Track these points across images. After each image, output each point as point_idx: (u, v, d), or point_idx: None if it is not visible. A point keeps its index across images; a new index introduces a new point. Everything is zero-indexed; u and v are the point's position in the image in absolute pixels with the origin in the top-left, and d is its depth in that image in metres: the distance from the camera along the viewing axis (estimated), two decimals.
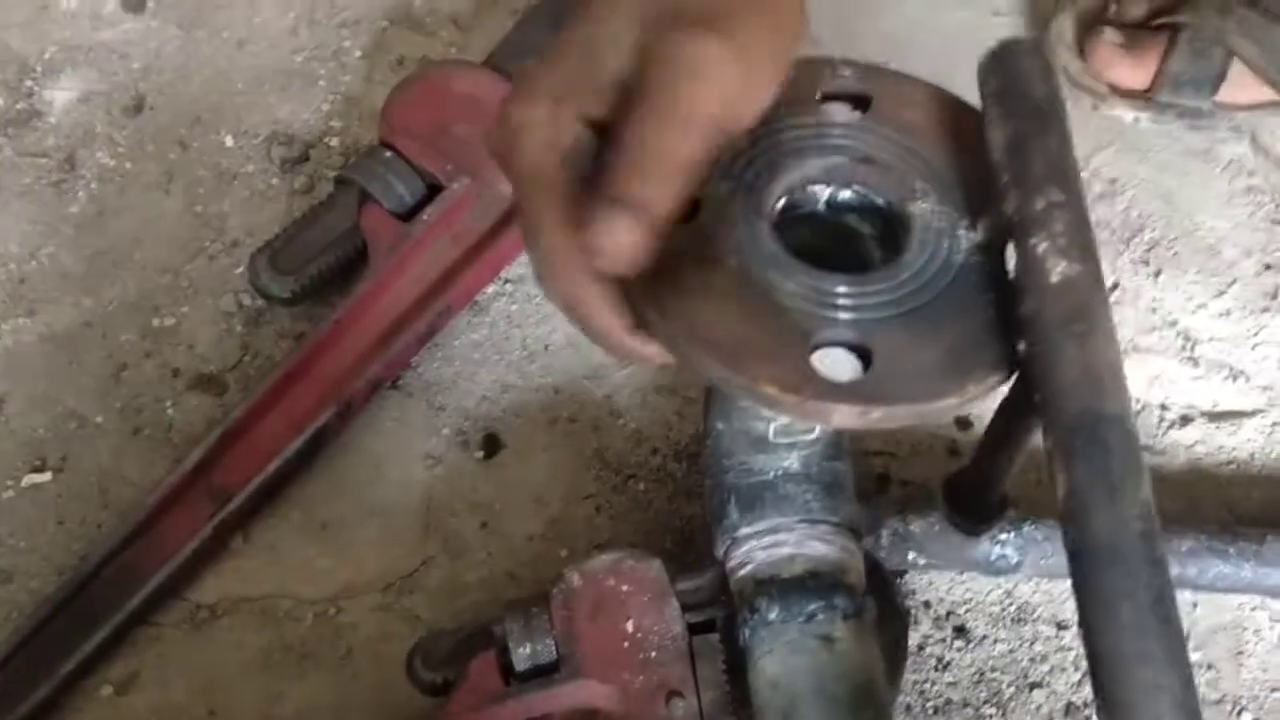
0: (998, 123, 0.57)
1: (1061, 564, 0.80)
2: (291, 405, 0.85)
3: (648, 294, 0.52)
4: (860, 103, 0.61)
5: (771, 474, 0.69)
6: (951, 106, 0.61)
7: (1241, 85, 1.01)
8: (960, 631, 0.83)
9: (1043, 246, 0.53)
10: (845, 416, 0.52)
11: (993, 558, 0.80)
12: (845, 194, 0.59)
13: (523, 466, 0.88)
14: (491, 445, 0.88)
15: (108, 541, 0.80)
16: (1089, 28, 1.04)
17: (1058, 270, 0.53)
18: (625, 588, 0.74)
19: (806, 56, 0.58)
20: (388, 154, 0.92)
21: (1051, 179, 0.55)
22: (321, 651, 0.80)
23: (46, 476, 0.85)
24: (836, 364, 0.53)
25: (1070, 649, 0.83)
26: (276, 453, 0.84)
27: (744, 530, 0.69)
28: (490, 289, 0.94)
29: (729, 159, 0.57)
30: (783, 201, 0.58)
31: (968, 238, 0.57)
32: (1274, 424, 0.91)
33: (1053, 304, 0.53)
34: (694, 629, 0.73)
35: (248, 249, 0.94)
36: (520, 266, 0.95)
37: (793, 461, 0.69)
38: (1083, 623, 0.49)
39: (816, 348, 0.53)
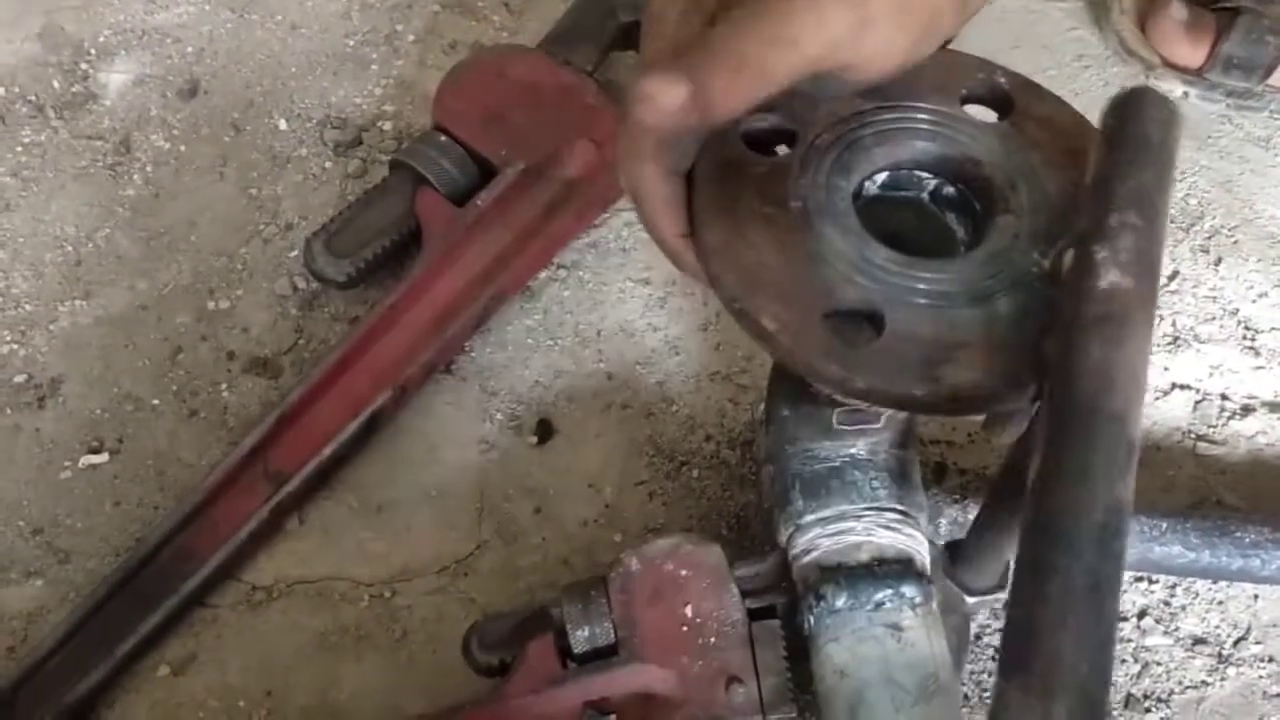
0: (1104, 155, 0.56)
1: (1131, 556, 0.81)
2: (346, 388, 0.85)
3: (704, 204, 0.54)
4: (1002, 108, 0.60)
5: (838, 460, 0.68)
6: (1086, 136, 0.60)
7: None
8: None
9: (1102, 254, 0.52)
10: (829, 377, 0.51)
11: None
12: (944, 188, 0.59)
13: (576, 452, 0.88)
14: (545, 430, 0.88)
15: (164, 523, 0.80)
16: (1156, 2, 1.03)
17: (1108, 278, 0.51)
18: (684, 572, 0.73)
19: (961, 51, 0.60)
20: (442, 138, 0.92)
21: (1134, 204, 0.53)
22: (377, 634, 0.80)
23: (103, 458, 0.86)
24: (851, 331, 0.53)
25: (1130, 640, 0.82)
26: (332, 435, 0.84)
27: (809, 517, 0.68)
28: (543, 274, 0.94)
29: (843, 115, 0.58)
30: (882, 176, 0.58)
31: (1038, 263, 0.56)
32: None
33: (1091, 306, 0.51)
34: (753, 615, 0.72)
35: (302, 232, 0.94)
36: (573, 252, 0.95)
37: (859, 448, 0.68)
38: (1010, 593, 0.47)
39: (835, 308, 0.52)
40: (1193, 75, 1.03)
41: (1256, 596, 0.83)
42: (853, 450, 0.68)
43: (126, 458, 0.86)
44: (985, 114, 0.61)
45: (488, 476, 0.87)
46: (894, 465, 0.68)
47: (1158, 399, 0.90)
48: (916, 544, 0.68)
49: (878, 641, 0.65)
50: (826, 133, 0.58)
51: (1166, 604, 0.82)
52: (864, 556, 0.67)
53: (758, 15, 0.48)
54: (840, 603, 0.66)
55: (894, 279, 0.54)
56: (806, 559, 0.68)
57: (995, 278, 0.55)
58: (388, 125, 1.01)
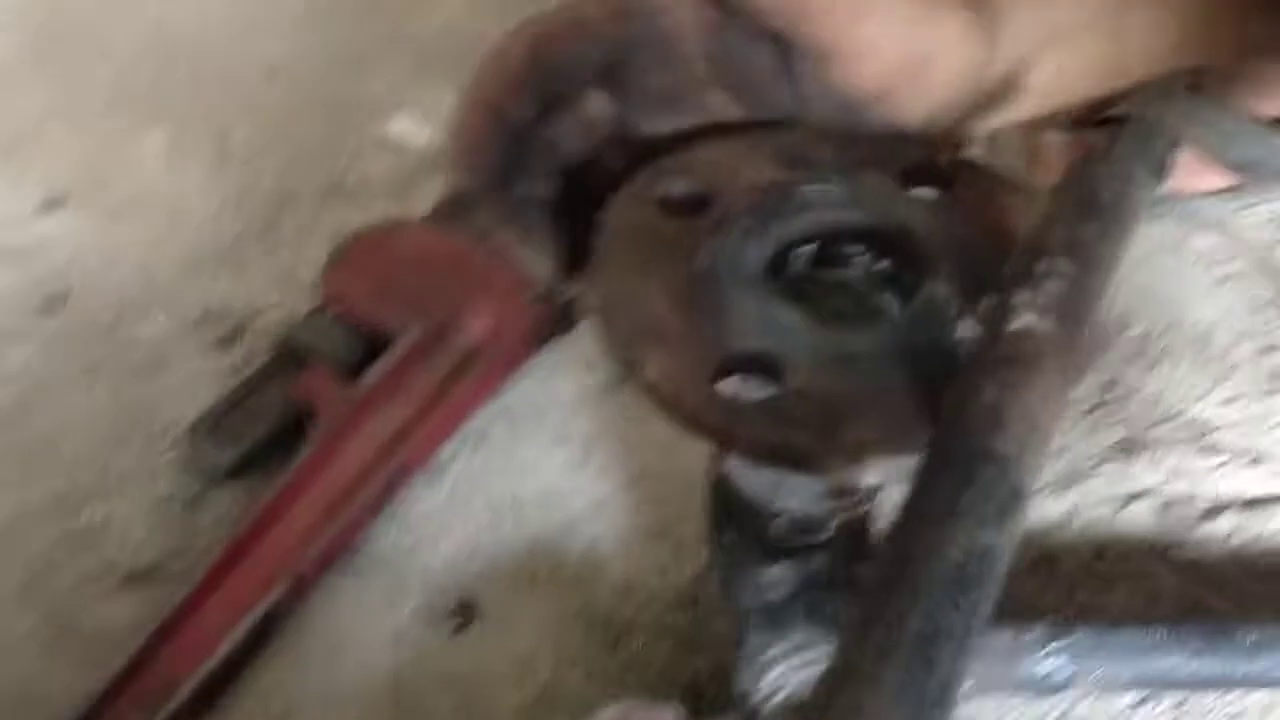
0: (1043, 208, 0.52)
1: (1122, 674, 0.73)
2: (236, 586, 0.76)
3: (607, 257, 0.52)
4: (941, 184, 0.57)
5: (796, 584, 0.60)
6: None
7: (1193, 172, 0.99)
8: None
9: (1021, 298, 0.47)
10: (712, 426, 0.47)
11: (1046, 671, 0.71)
12: (876, 263, 0.54)
13: (502, 634, 0.78)
14: (464, 614, 0.79)
15: None
16: (1034, 130, 1.03)
17: (1022, 320, 0.46)
18: None
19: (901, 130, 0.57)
20: (327, 315, 0.86)
21: (1067, 253, 0.49)
22: None
23: None
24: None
25: None
26: (222, 639, 0.74)
27: (771, 652, 0.60)
28: (448, 448, 0.86)
29: (763, 185, 0.54)
30: (807, 252, 0.54)
31: (965, 328, 0.51)
32: None
33: (997, 348, 0.46)
34: None
35: (180, 435, 0.86)
36: (481, 420, 0.88)
37: (816, 567, 0.61)
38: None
39: (728, 356, 0.48)
40: None
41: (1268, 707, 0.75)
42: (810, 569, 0.61)
43: None
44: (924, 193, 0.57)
45: (403, 671, 0.76)
46: (857, 579, 0.61)
47: (1119, 510, 0.84)
48: None
49: None
50: (746, 200, 0.53)
51: None
52: None
53: None
54: None
55: (799, 337, 0.49)
56: (774, 702, 0.59)
57: (915, 340, 0.49)
58: (271, 316, 0.95)
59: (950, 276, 0.51)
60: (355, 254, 0.90)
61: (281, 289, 0.97)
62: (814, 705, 0.38)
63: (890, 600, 0.38)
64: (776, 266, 0.52)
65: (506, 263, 0.91)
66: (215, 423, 0.82)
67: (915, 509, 0.41)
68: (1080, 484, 0.85)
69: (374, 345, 0.85)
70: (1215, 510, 0.84)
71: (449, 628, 0.78)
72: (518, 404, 0.89)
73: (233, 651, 0.74)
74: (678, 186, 0.54)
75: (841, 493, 0.57)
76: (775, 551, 0.59)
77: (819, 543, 0.59)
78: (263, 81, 1.12)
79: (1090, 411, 0.89)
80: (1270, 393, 0.90)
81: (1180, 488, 0.85)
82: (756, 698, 0.61)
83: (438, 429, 0.85)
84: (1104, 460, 0.86)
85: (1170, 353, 0.93)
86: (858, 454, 0.45)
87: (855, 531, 0.60)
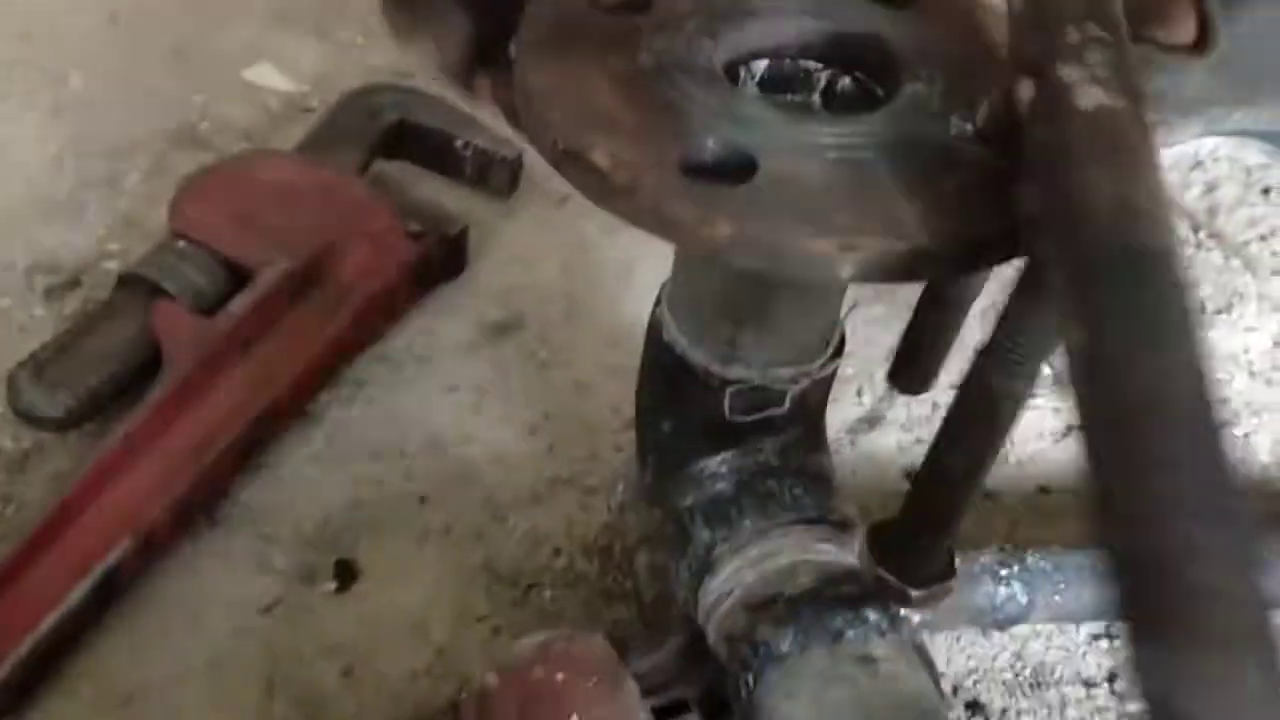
0: None
1: (1079, 602, 0.67)
2: (71, 544, 0.64)
3: (532, 46, 0.45)
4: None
5: (744, 473, 0.52)
6: (990, 20, 0.50)
7: None
8: (975, 708, 0.65)
9: (1074, 75, 0.40)
10: (680, 220, 0.39)
11: (998, 601, 0.64)
12: (839, 82, 0.48)
13: (390, 594, 0.68)
14: (345, 573, 0.69)
15: None
16: None
17: (1092, 98, 0.40)
18: (560, 676, 0.54)
19: None
20: (181, 244, 0.75)
21: (1092, 16, 0.43)
22: None
23: None
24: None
25: (1108, 709, 0.66)
26: (52, 605, 0.62)
27: (721, 549, 0.51)
28: (323, 397, 0.76)
29: None
30: (761, 68, 0.47)
31: (958, 125, 0.44)
32: None
33: (1084, 131, 0.39)
34: (661, 715, 0.53)
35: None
36: (358, 367, 0.78)
37: (767, 452, 0.52)
38: (1106, 513, 0.33)
39: (691, 155, 0.41)
40: None
41: None
42: (760, 457, 0.52)
43: None
44: None
45: (275, 639, 0.66)
46: (812, 470, 0.53)
47: (1058, 442, 0.79)
48: (858, 549, 0.52)
49: (848, 682, 0.47)
50: (690, 3, 0.46)
51: None
52: (805, 580, 0.50)
53: None
54: (786, 645, 0.48)
55: (773, 129, 0.42)
56: (727, 604, 0.51)
57: (903, 137, 0.42)
58: (111, 264, 0.83)
59: (931, 79, 0.44)
60: (213, 184, 0.80)
61: (123, 238, 0.85)
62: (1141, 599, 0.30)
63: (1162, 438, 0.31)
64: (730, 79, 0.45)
65: (381, 197, 0.82)
66: (40, 369, 0.70)
67: (1108, 329, 0.33)
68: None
69: (232, 280, 0.75)
70: None
71: (328, 589, 0.68)
72: (399, 351, 0.79)
73: (65, 620, 0.62)
74: None
75: (802, 355, 0.49)
76: (722, 434, 0.51)
77: (774, 421, 0.51)
78: (104, 28, 1.01)
79: None
80: None
81: None
82: (706, 603, 0.52)
83: (308, 373, 0.75)
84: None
85: None
86: (851, 240, 0.38)
87: (814, 405, 0.52)
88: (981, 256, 0.42)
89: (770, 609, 0.49)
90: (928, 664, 0.52)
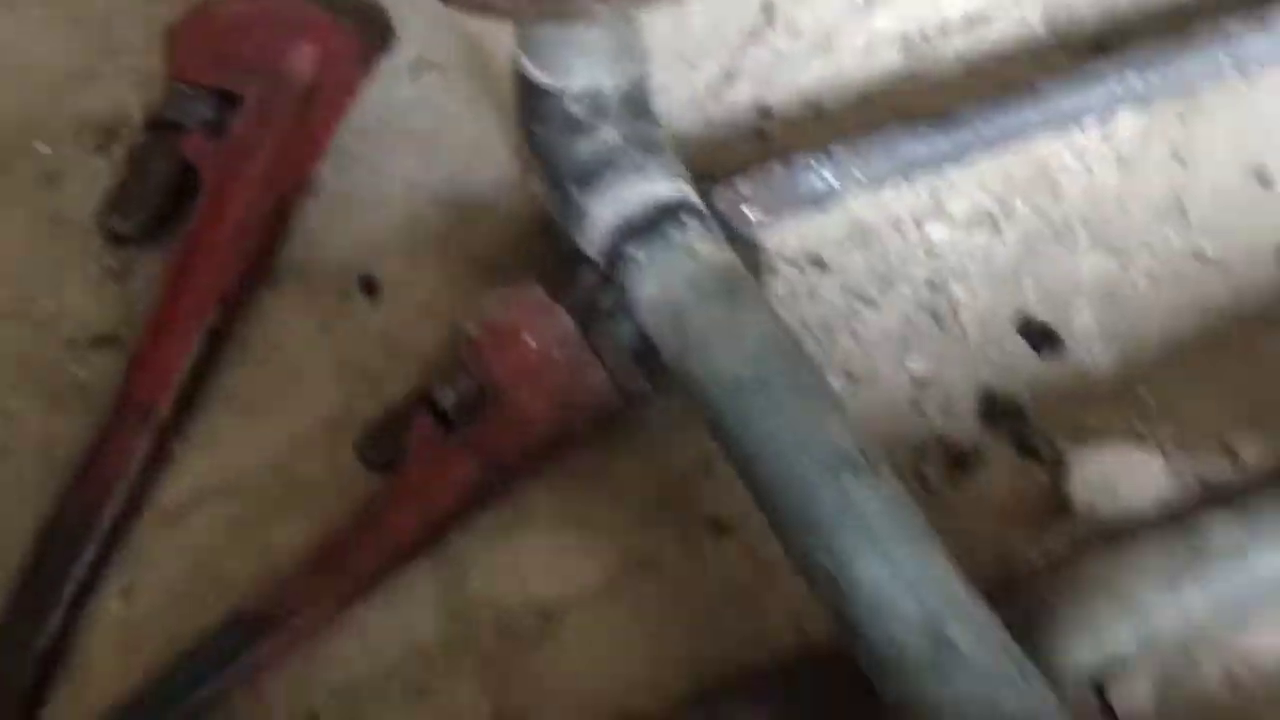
0: None
1: (885, 165, 0.92)
2: (179, 315, 0.93)
3: None
4: None
5: (597, 151, 0.78)
6: None
7: None
8: (818, 263, 0.92)
9: None
10: None
11: (817, 186, 0.89)
12: None
13: (408, 294, 0.96)
14: (369, 287, 0.96)
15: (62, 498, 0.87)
16: None
17: None
18: (513, 314, 0.82)
19: None
20: (182, 86, 1.00)
21: None
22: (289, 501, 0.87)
23: None
24: None
25: (917, 245, 0.93)
26: (183, 360, 0.91)
27: (593, 207, 0.78)
28: (323, 170, 1.02)
29: None
30: None
31: None
32: None
33: None
34: (586, 324, 0.81)
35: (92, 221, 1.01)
36: (343, 139, 1.03)
37: (610, 134, 0.78)
38: None
39: None
40: None
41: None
42: (606, 137, 0.77)
43: (6, 467, 0.91)
44: None
45: (337, 349, 0.94)
46: (642, 135, 0.78)
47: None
48: (689, 194, 0.78)
49: (678, 268, 0.74)
50: None
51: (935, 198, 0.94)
52: (648, 212, 0.76)
53: None
54: (641, 254, 0.75)
55: None
56: (603, 239, 0.78)
57: None
58: (135, 115, 1.08)
59: None
60: (185, 34, 1.03)
61: (145, 91, 1.09)
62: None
63: None
64: None
65: (313, 5, 1.05)
66: (114, 203, 0.97)
67: None
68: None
69: (232, 102, 1.00)
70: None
71: (361, 301, 0.96)
72: (366, 119, 1.04)
73: (195, 366, 0.91)
74: None
75: None
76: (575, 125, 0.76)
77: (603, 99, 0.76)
78: None
79: None
80: None
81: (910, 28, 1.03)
82: (591, 239, 0.79)
83: (306, 157, 1.01)
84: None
85: None
86: None
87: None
88: None
89: (626, 235, 0.76)
90: (749, 249, 0.79)
